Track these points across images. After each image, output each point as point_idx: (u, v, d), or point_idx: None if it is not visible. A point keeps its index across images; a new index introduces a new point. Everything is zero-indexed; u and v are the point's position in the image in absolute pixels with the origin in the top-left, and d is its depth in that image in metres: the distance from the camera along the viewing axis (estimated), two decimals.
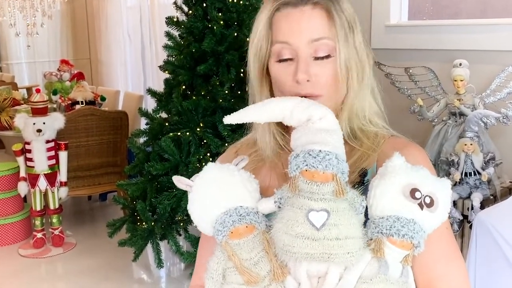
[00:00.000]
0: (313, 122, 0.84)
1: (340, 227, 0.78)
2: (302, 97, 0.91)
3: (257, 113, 0.89)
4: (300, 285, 0.83)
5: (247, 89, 1.08)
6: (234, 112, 0.89)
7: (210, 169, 0.91)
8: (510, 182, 2.60)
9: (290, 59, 0.94)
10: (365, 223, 0.85)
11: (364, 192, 0.87)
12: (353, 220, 0.80)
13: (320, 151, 0.79)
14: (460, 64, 2.61)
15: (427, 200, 0.83)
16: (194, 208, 0.90)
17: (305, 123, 0.85)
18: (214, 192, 0.88)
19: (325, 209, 0.79)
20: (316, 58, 0.93)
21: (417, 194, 0.82)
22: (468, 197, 2.43)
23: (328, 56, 0.93)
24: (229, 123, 0.89)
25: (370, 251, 0.82)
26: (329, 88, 0.94)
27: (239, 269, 0.86)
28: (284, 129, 1.02)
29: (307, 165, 0.79)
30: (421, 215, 0.82)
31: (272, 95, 1.00)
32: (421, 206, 0.82)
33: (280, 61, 0.95)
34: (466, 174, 2.44)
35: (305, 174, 0.80)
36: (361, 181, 0.93)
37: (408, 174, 0.84)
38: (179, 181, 0.91)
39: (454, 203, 2.43)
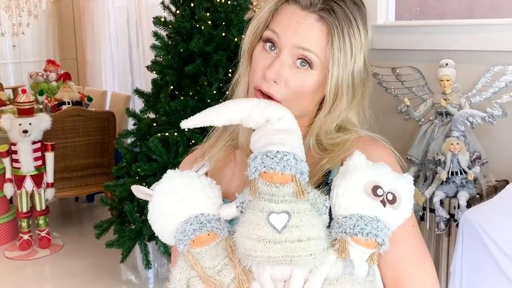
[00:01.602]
0: (272, 123, 0.83)
1: (301, 228, 0.77)
2: (260, 91, 0.91)
3: (214, 116, 0.86)
4: None
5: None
6: (191, 116, 0.87)
7: (170, 177, 0.89)
8: (496, 181, 2.62)
9: (272, 48, 0.93)
10: (329, 224, 0.84)
11: (329, 192, 0.86)
12: (315, 221, 0.79)
13: (277, 152, 0.78)
14: (447, 64, 2.62)
15: (390, 197, 0.82)
16: (154, 218, 0.88)
17: (264, 124, 0.84)
18: (174, 200, 0.86)
19: (285, 211, 0.77)
20: (295, 65, 0.91)
21: (379, 191, 0.82)
22: (455, 196, 2.44)
23: (307, 68, 0.91)
24: (186, 128, 0.88)
25: (334, 252, 0.81)
26: (293, 99, 0.92)
27: (202, 278, 0.84)
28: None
29: (265, 166, 0.78)
30: (384, 212, 0.82)
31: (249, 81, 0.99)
32: (383, 203, 0.81)
33: (263, 48, 0.94)
34: (452, 173, 2.45)
35: (264, 176, 0.78)
36: (324, 181, 0.92)
37: (369, 171, 0.84)
38: (138, 190, 0.89)
39: (441, 202, 2.45)
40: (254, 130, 0.85)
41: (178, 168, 0.99)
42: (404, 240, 0.92)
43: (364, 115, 1.02)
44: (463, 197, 2.38)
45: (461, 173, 2.45)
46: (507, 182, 2.51)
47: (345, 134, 0.98)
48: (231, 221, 0.87)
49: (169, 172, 0.90)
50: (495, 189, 2.51)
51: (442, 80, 2.61)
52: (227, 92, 1.06)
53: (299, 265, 0.78)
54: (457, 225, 2.27)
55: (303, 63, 0.91)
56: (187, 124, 0.87)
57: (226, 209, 0.86)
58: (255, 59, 0.95)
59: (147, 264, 2.98)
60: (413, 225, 0.95)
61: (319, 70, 0.92)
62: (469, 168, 2.43)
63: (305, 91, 0.93)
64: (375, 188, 0.82)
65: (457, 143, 2.43)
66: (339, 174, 0.86)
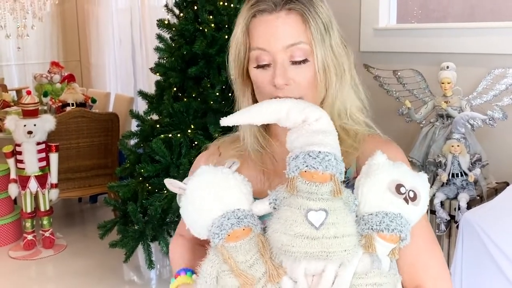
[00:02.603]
0: (309, 123, 0.85)
1: (337, 225, 0.80)
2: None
3: (252, 115, 0.89)
4: (297, 284, 0.83)
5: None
6: (230, 114, 0.90)
7: (204, 172, 0.90)
8: (496, 183, 2.63)
9: (268, 65, 0.95)
10: None
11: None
12: (348, 218, 0.82)
13: (319, 152, 0.81)
14: (447, 67, 2.63)
15: (411, 194, 0.85)
16: (189, 211, 0.89)
17: (301, 124, 0.86)
18: (210, 195, 0.87)
19: (323, 208, 0.80)
20: (293, 63, 0.94)
21: (402, 189, 0.85)
22: (455, 197, 2.45)
23: (305, 60, 0.94)
24: (225, 125, 0.90)
25: (361, 247, 0.84)
26: (307, 91, 0.96)
27: (235, 272, 0.85)
28: (265, 130, 1.04)
29: (307, 166, 0.80)
30: (407, 209, 0.85)
31: (254, 96, 1.01)
32: (406, 200, 0.85)
33: (258, 66, 0.96)
34: (453, 175, 2.46)
35: (304, 175, 0.81)
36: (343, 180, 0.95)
37: (391, 170, 0.87)
38: (171, 184, 0.91)
39: (442, 204, 2.46)
40: (289, 129, 0.87)
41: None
42: (420, 235, 0.96)
43: (362, 97, 1.04)
44: (463, 198, 2.39)
45: (461, 175, 2.46)
46: (507, 184, 2.52)
47: (357, 124, 1.01)
48: (261, 218, 0.89)
49: (203, 167, 0.91)
50: (495, 191, 2.52)
51: (443, 83, 2.62)
52: (229, 94, 1.09)
53: (333, 260, 0.80)
54: (457, 227, 2.28)
55: (300, 62, 0.94)
56: (226, 121, 0.90)
57: (259, 205, 0.88)
58: (257, 77, 0.97)
59: (150, 264, 2.99)
60: (426, 219, 1.00)
61: (312, 57, 0.95)
62: (470, 170, 2.44)
63: (313, 81, 0.96)
64: (398, 187, 0.85)
65: (458, 145, 2.44)
66: (362, 174, 0.89)
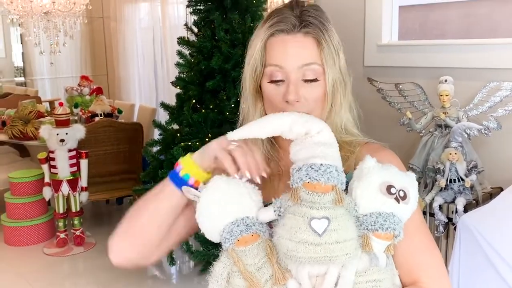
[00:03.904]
0: (311, 136, 0.85)
1: (339, 231, 0.79)
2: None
3: (258, 129, 0.88)
4: (302, 286, 0.83)
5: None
6: (238, 129, 0.89)
7: (218, 181, 0.90)
8: (491, 188, 2.61)
9: (281, 81, 0.96)
10: None
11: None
12: (349, 223, 0.82)
13: (321, 164, 0.80)
14: (446, 81, 2.63)
15: (401, 194, 0.85)
16: (203, 217, 0.89)
17: (303, 136, 0.85)
18: (223, 203, 0.87)
19: (326, 216, 0.79)
20: (305, 81, 0.95)
21: (392, 190, 0.84)
22: (453, 201, 2.44)
23: (315, 80, 0.96)
24: (232, 139, 0.89)
25: (360, 247, 0.83)
26: (315, 107, 0.97)
27: (243, 274, 0.85)
28: (273, 138, 1.04)
29: (309, 178, 0.80)
30: (398, 208, 0.85)
31: (264, 110, 1.02)
32: (397, 200, 0.84)
33: (272, 82, 0.96)
34: (451, 181, 2.45)
35: (307, 186, 0.80)
36: None
37: (381, 173, 0.86)
38: (188, 192, 0.91)
39: (440, 207, 2.45)
40: (291, 141, 0.87)
41: None
42: (416, 234, 0.95)
43: (354, 113, 1.05)
44: (460, 202, 2.38)
45: (458, 181, 2.45)
46: (501, 189, 2.51)
47: (351, 136, 1.02)
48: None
49: (216, 177, 0.91)
50: (490, 196, 2.50)
51: (441, 95, 2.62)
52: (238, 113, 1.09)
53: (336, 263, 0.80)
54: (454, 228, 2.27)
55: (311, 80, 0.96)
56: (233, 136, 0.89)
57: (265, 213, 0.87)
58: (270, 92, 0.98)
59: (171, 261, 3.01)
60: (422, 221, 0.99)
61: (322, 76, 0.97)
62: (466, 176, 2.43)
63: (321, 98, 0.97)
64: (389, 187, 0.84)
65: (455, 153, 2.44)
66: (354, 178, 0.88)
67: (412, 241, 0.93)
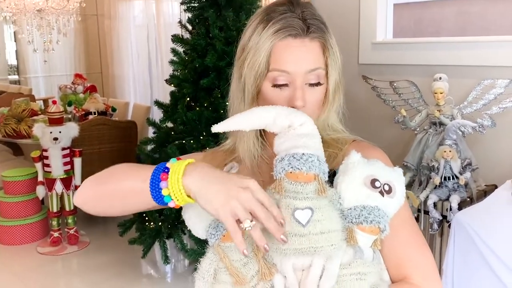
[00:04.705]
0: (294, 128, 0.85)
1: (323, 222, 0.79)
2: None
3: (242, 121, 0.88)
4: (286, 279, 0.83)
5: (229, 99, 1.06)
6: (221, 122, 0.88)
7: None
8: (485, 185, 2.62)
9: (285, 85, 0.95)
10: None
11: None
12: (333, 214, 0.82)
13: (303, 154, 0.80)
14: (440, 78, 2.63)
15: (386, 188, 0.85)
16: (189, 214, 0.90)
17: (287, 129, 0.85)
18: None
19: (309, 207, 0.80)
20: (310, 85, 0.95)
21: (377, 184, 0.85)
22: (447, 199, 2.44)
23: (318, 83, 0.96)
24: (216, 131, 0.88)
25: (344, 240, 0.83)
26: (316, 110, 0.98)
27: (229, 270, 0.85)
28: (263, 138, 1.03)
29: (292, 167, 0.80)
30: (383, 202, 0.85)
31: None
32: (382, 193, 0.85)
33: (276, 86, 0.95)
34: (445, 178, 2.46)
35: (290, 175, 0.80)
36: (331, 181, 0.93)
37: (366, 167, 0.87)
38: None
39: (435, 205, 2.45)
40: (275, 135, 0.87)
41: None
42: (403, 229, 0.95)
43: (341, 114, 1.05)
44: (455, 200, 2.38)
45: (453, 178, 2.45)
46: (495, 187, 2.51)
47: (337, 132, 1.03)
48: None
49: None
50: (484, 193, 2.51)
51: (436, 93, 2.62)
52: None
53: (321, 255, 0.80)
54: (449, 226, 2.27)
55: (315, 84, 0.96)
56: (217, 128, 0.88)
57: None
58: (273, 96, 0.96)
59: (166, 260, 3.00)
60: (410, 216, 0.99)
61: (325, 79, 0.97)
62: (461, 174, 2.44)
63: (321, 101, 0.98)
64: (373, 181, 0.85)
65: (450, 151, 2.44)
66: (339, 172, 0.88)
67: (399, 235, 0.93)
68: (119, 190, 0.91)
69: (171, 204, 0.83)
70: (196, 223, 0.90)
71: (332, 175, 0.94)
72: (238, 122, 0.88)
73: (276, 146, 0.85)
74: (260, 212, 0.76)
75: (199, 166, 0.83)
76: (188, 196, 0.81)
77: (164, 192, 0.82)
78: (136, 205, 0.91)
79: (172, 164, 0.85)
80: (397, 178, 0.88)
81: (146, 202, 0.86)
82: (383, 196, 0.85)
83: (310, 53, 0.94)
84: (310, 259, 0.81)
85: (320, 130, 0.91)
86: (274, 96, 0.96)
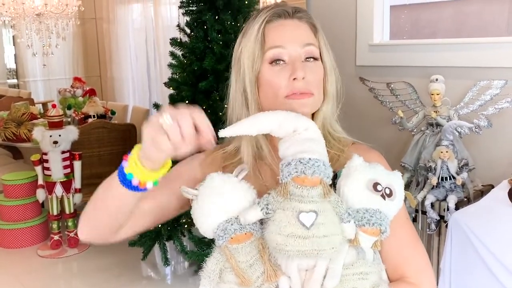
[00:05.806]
0: (299, 133, 0.86)
1: (326, 225, 0.81)
2: (296, 93, 0.94)
3: (249, 126, 0.89)
4: (291, 279, 0.85)
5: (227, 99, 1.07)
6: (228, 126, 0.90)
7: (214, 179, 0.90)
8: (482, 185, 2.63)
9: (284, 61, 0.96)
10: None
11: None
12: (335, 218, 0.83)
13: (310, 159, 0.82)
14: (437, 80, 2.64)
15: (387, 191, 0.87)
16: (198, 215, 0.90)
17: (292, 134, 0.87)
18: (218, 201, 0.88)
19: (314, 210, 0.81)
20: (307, 59, 0.97)
21: (379, 187, 0.87)
22: (444, 199, 2.45)
23: (316, 59, 0.98)
24: (223, 136, 0.89)
25: (347, 241, 0.85)
26: (317, 89, 0.98)
27: (235, 271, 0.86)
28: (271, 145, 1.03)
29: (298, 172, 0.81)
30: (385, 204, 0.87)
31: (260, 102, 1.00)
32: (383, 196, 0.87)
33: (274, 63, 0.96)
34: (442, 179, 2.47)
35: (296, 179, 0.82)
36: (333, 183, 0.93)
37: (368, 171, 0.88)
38: (186, 192, 0.92)
39: (432, 205, 2.46)
40: (280, 139, 0.88)
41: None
42: (401, 230, 0.98)
43: (338, 115, 1.06)
44: (452, 200, 2.39)
45: (450, 179, 2.46)
46: (492, 187, 2.52)
47: (336, 132, 1.04)
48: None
49: (213, 175, 0.91)
50: (481, 193, 2.52)
51: (432, 94, 2.63)
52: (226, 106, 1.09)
53: (323, 257, 0.82)
54: (446, 226, 2.28)
55: (313, 58, 0.98)
56: (224, 133, 0.89)
57: (252, 213, 0.86)
58: (273, 75, 0.96)
59: (166, 262, 3.01)
60: (407, 217, 1.02)
61: (320, 59, 1.00)
62: (458, 174, 2.44)
63: (321, 80, 1.00)
64: (375, 185, 0.87)
65: (447, 151, 2.45)
66: (342, 176, 0.90)
67: (398, 237, 0.96)
68: (104, 199, 0.93)
69: (135, 182, 0.84)
70: (205, 224, 0.90)
71: (333, 177, 0.95)
72: (244, 127, 0.89)
73: (282, 150, 0.86)
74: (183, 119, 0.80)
75: None
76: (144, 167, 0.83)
77: (126, 170, 0.85)
78: (120, 201, 0.90)
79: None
80: (397, 181, 0.90)
81: (122, 193, 0.87)
82: (384, 200, 0.87)
83: (301, 29, 0.99)
84: (314, 261, 0.83)
85: (322, 125, 0.94)
86: (274, 74, 0.96)
